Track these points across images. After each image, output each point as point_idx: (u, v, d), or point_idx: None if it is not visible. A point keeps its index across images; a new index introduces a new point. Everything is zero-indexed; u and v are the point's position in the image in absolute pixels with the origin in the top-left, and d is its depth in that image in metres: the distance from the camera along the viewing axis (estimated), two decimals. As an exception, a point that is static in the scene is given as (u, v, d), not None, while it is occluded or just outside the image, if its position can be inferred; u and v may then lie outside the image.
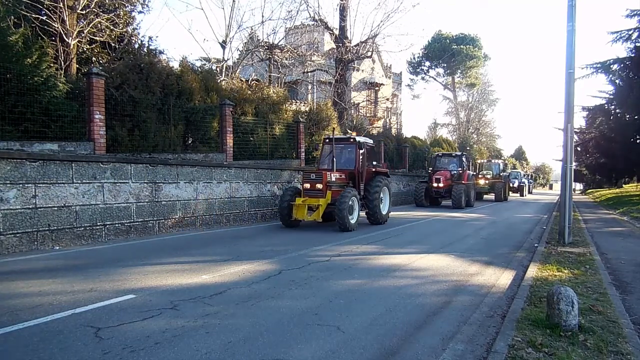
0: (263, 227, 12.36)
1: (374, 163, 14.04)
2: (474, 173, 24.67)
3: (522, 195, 40.53)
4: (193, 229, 11.59)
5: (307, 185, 12.04)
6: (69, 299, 5.09)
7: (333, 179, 12.39)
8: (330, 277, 6.51)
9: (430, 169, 23.77)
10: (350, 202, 11.51)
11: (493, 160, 35.68)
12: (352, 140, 13.32)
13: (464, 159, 23.73)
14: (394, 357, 3.83)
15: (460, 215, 17.48)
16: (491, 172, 31.68)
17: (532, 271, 6.95)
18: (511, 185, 38.43)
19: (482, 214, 18.62)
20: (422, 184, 22.77)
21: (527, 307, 5.06)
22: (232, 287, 5.82)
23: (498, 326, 4.61)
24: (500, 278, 6.91)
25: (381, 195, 13.41)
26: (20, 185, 8.15)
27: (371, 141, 14.50)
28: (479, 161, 33.83)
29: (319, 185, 11.93)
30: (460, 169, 23.16)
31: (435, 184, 22.06)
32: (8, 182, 7.97)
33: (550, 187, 79.93)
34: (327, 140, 13.56)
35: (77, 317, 4.51)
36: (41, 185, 8.44)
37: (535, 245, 9.93)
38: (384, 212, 13.57)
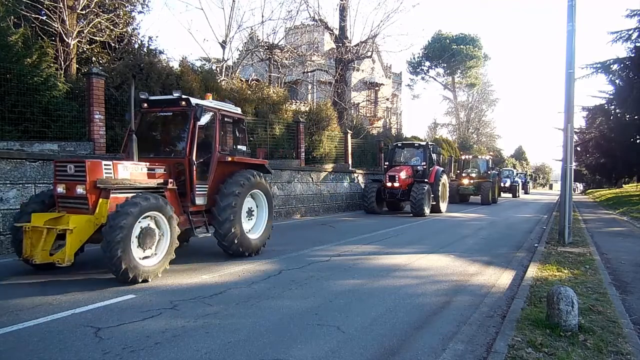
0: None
1: (240, 149, 8.23)
2: (444, 169, 19.71)
3: (514, 196, 36.57)
4: (193, 229, 11.57)
5: (61, 189, 6.18)
6: (69, 299, 5.09)
7: (125, 173, 6.51)
8: (330, 277, 6.51)
9: (386, 163, 18.63)
10: (126, 225, 5.58)
11: (479, 156, 30.79)
12: (182, 102, 7.19)
13: (430, 151, 18.49)
14: (394, 357, 3.83)
15: (460, 215, 17.48)
16: (477, 170, 27.25)
17: (532, 271, 6.95)
18: (502, 184, 34.92)
19: (481, 214, 18.62)
20: (374, 183, 17.75)
21: (527, 307, 5.06)
22: (232, 287, 5.82)
23: (498, 326, 4.61)
24: (500, 278, 6.91)
25: (244, 206, 7.72)
26: (20, 185, 8.14)
27: (234, 108, 8.39)
28: (463, 157, 29.24)
29: (80, 189, 6.02)
30: (424, 163, 18.08)
31: (389, 183, 16.93)
32: (8, 182, 7.96)
33: (550, 187, 79.83)
34: (144, 102, 7.47)
35: (77, 317, 4.51)
36: (41, 185, 8.43)
37: (535, 245, 9.93)
38: (253, 236, 7.98)
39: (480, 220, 16.21)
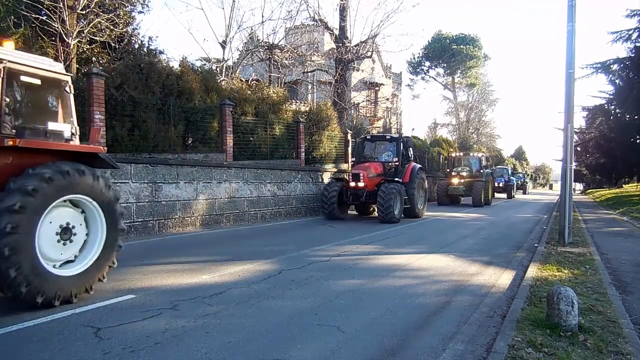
0: (263, 227, 12.36)
1: (56, 128, 5.26)
2: (422, 166, 16.95)
3: (510, 196, 34.00)
4: (193, 229, 11.59)
5: None
6: (69, 299, 5.08)
7: None
8: (330, 277, 6.51)
9: (353, 159, 16.22)
10: None
11: (471, 154, 28.17)
12: None
13: (404, 145, 15.78)
14: (394, 357, 3.83)
15: (460, 215, 17.47)
16: (469, 169, 24.89)
17: (532, 271, 6.95)
18: (496, 184, 32.58)
19: (481, 214, 18.61)
20: (336, 183, 14.77)
21: (527, 307, 5.06)
22: (232, 287, 5.82)
23: (498, 326, 4.61)
24: (500, 278, 6.91)
25: (54, 223, 4.84)
26: (20, 185, 8.10)
27: (47, 62, 5.57)
28: (453, 154, 26.93)
29: None
30: (396, 159, 15.36)
31: (352, 183, 14.23)
32: (8, 182, 7.92)
33: (550, 187, 79.65)
34: None
35: (77, 317, 4.51)
36: (41, 185, 8.41)
37: (535, 245, 9.93)
38: (71, 271, 5.01)
39: (480, 220, 16.21)
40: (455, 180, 23.45)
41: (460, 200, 24.67)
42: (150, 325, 4.33)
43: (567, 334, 4.16)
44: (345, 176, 16.43)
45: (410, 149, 16.28)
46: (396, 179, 14.66)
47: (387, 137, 16.44)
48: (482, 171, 24.88)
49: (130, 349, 3.77)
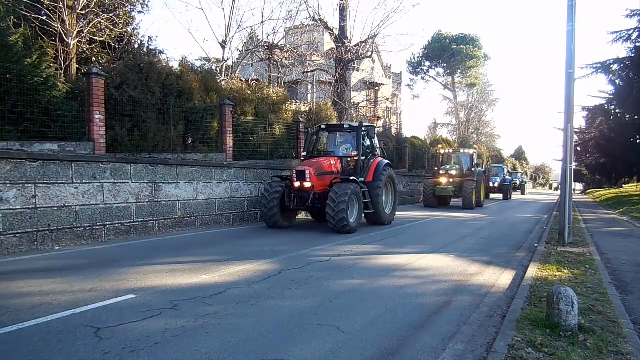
0: (263, 228, 12.35)
1: None
2: (389, 162, 13.88)
3: (506, 198, 31.50)
4: (193, 229, 11.58)
5: None
6: (69, 299, 5.09)
7: None
8: (330, 277, 6.51)
9: (304, 154, 13.12)
10: None
11: (462, 150, 25.41)
12: None
13: (365, 136, 13.18)
14: (394, 357, 3.83)
15: (460, 215, 17.46)
16: (459, 167, 22.75)
17: (532, 271, 6.95)
18: (491, 184, 31.22)
19: (481, 214, 18.61)
20: (279, 182, 11.87)
21: (527, 307, 5.05)
22: (232, 287, 5.82)
23: (498, 326, 4.61)
24: (500, 278, 6.91)
25: None
26: (20, 185, 8.14)
27: None
28: (441, 151, 24.27)
29: None
30: (355, 152, 12.60)
31: (297, 182, 11.42)
32: (8, 182, 7.96)
33: (551, 187, 79.36)
34: None
35: (77, 317, 4.51)
36: (41, 185, 8.44)
37: (535, 245, 9.93)
38: None
39: (480, 220, 16.21)
40: (443, 180, 21.29)
41: (449, 202, 22.82)
42: (150, 325, 4.33)
43: (567, 334, 4.16)
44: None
45: (375, 140, 13.80)
46: (352, 178, 11.71)
47: (345, 126, 13.30)
48: (473, 170, 22.71)
49: (130, 349, 3.77)
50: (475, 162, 23.52)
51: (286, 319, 4.64)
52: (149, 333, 4.13)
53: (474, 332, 4.48)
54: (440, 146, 26.11)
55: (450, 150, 25.38)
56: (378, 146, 13.82)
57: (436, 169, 22.58)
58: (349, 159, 12.78)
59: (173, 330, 4.23)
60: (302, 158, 13.06)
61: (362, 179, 12.26)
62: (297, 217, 10.58)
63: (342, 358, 3.76)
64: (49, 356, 3.61)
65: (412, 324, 4.67)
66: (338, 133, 13.75)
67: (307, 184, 11.34)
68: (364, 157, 12.80)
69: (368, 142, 13.44)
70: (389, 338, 4.23)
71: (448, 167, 22.54)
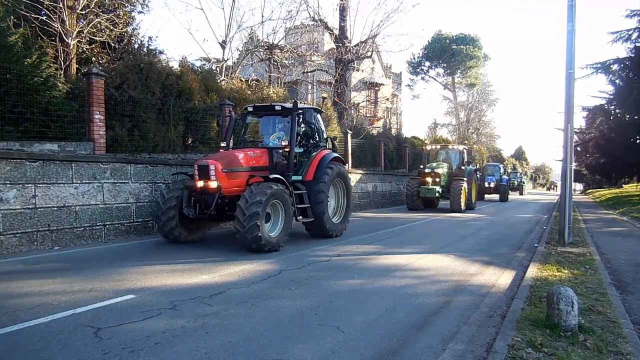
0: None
1: None
2: (338, 155, 10.78)
3: (503, 199, 29.22)
4: (193, 229, 11.57)
5: None
6: (69, 299, 5.09)
7: None
8: (330, 277, 6.51)
9: (223, 144, 10.00)
10: None
11: (450, 146, 22.82)
12: None
13: (302, 120, 9.83)
14: (394, 357, 3.83)
15: (460, 216, 17.44)
16: (447, 165, 20.29)
17: (532, 271, 6.95)
18: (487, 184, 29.51)
19: (481, 214, 18.60)
20: (178, 184, 9.04)
21: (527, 307, 5.06)
22: (232, 287, 5.82)
23: (498, 326, 4.61)
24: (500, 278, 6.91)
25: None
26: (20, 185, 8.14)
27: None
28: (428, 147, 22.52)
29: None
30: (285, 143, 9.57)
31: (200, 182, 8.55)
32: (8, 182, 7.96)
33: (549, 188, 78.93)
34: None
35: (77, 317, 4.51)
36: (41, 185, 8.44)
37: (535, 245, 9.94)
38: None
39: (480, 220, 16.21)
40: (429, 179, 18.92)
41: (437, 204, 20.41)
42: (150, 325, 4.33)
43: (567, 334, 4.17)
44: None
45: (319, 126, 10.67)
46: (273, 176, 8.69)
47: (276, 107, 9.83)
48: (463, 168, 20.31)
49: (130, 349, 3.77)
50: (465, 159, 21.10)
51: (286, 319, 4.64)
52: (149, 333, 4.13)
53: (474, 332, 4.48)
54: (427, 141, 24.16)
55: (438, 146, 22.86)
56: (322, 133, 10.81)
57: (422, 167, 20.28)
58: (280, 151, 9.59)
59: (173, 330, 4.23)
60: (221, 149, 9.81)
61: (298, 178, 9.59)
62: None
63: (342, 358, 3.76)
64: (49, 356, 3.61)
65: (412, 324, 4.67)
66: (274, 118, 10.30)
67: (212, 184, 8.36)
68: (302, 150, 9.94)
69: (310, 130, 10.44)
70: (389, 338, 4.23)
71: (434, 164, 20.04)
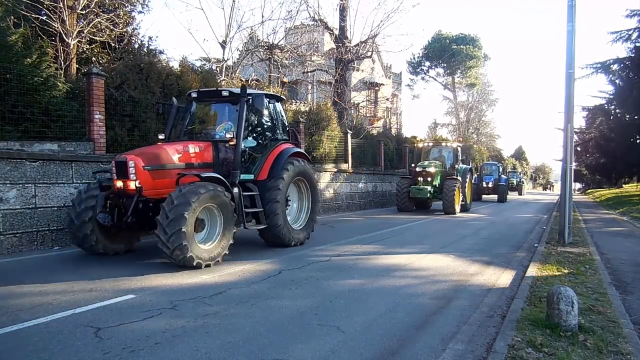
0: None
1: None
2: (300, 150, 9.46)
3: (501, 199, 28.04)
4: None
5: None
6: (69, 299, 5.09)
7: None
8: (330, 277, 6.51)
9: (161, 137, 8.65)
10: None
11: (444, 144, 21.26)
12: None
13: (250, 109, 8.26)
14: (394, 357, 3.83)
15: (460, 216, 17.44)
16: (439, 164, 18.97)
17: (532, 271, 6.95)
18: (484, 184, 28.78)
19: (482, 214, 18.60)
20: (94, 186, 7.50)
21: (527, 307, 5.06)
22: (231, 287, 5.82)
23: (498, 326, 4.61)
24: (500, 278, 6.91)
25: None
26: (20, 185, 8.14)
27: None
28: (420, 145, 21.06)
29: None
30: (231, 135, 8.08)
31: (119, 182, 7.09)
32: (8, 182, 7.96)
33: (545, 188, 78.41)
34: None
35: (77, 317, 4.51)
36: (41, 185, 8.44)
37: (535, 245, 9.94)
38: None
39: (480, 220, 16.21)
40: (420, 179, 17.84)
41: (429, 205, 19.26)
42: (150, 325, 4.33)
43: (567, 334, 4.17)
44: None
45: (278, 116, 9.27)
46: (207, 175, 7.24)
47: (223, 93, 8.40)
48: (457, 167, 19.19)
49: (130, 349, 3.77)
50: (460, 157, 19.85)
51: (286, 319, 4.64)
52: (149, 333, 4.13)
53: (474, 332, 4.48)
54: (418, 139, 22.88)
55: (430, 144, 21.39)
56: (281, 123, 9.35)
57: (413, 165, 18.96)
58: (226, 144, 8.13)
59: (173, 330, 4.23)
60: (160, 143, 8.29)
61: (249, 177, 8.32)
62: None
63: (342, 358, 3.76)
64: (49, 356, 3.61)
65: (412, 324, 4.67)
66: (225, 106, 8.89)
67: (132, 184, 6.94)
68: (255, 143, 8.66)
69: (267, 120, 9.09)
70: (389, 338, 4.23)
71: (426, 163, 18.71)
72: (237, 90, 8.26)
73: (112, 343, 3.88)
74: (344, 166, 19.39)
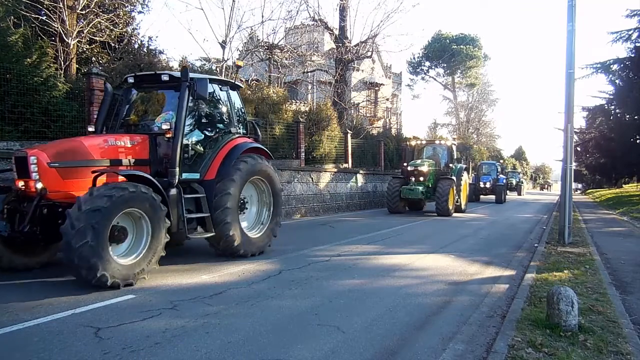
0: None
1: None
2: (259, 145, 8.07)
3: (499, 200, 26.86)
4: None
5: None
6: (69, 299, 5.08)
7: None
8: (330, 277, 6.50)
9: (91, 129, 7.23)
10: None
11: (438, 142, 20.55)
12: None
13: (192, 95, 6.75)
14: (393, 357, 3.83)
15: (460, 216, 17.43)
16: (432, 163, 17.96)
17: (532, 271, 6.95)
18: (482, 184, 28.07)
19: (482, 214, 18.60)
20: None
21: (527, 307, 5.06)
22: (231, 287, 5.82)
23: (498, 326, 4.61)
24: (500, 278, 6.91)
25: None
26: (20, 185, 8.10)
27: None
28: (412, 142, 19.87)
29: None
30: (167, 127, 6.58)
31: (21, 182, 5.82)
32: (8, 182, 7.93)
33: (542, 188, 78.11)
34: None
35: (77, 317, 4.51)
36: (41, 185, 8.40)
37: (535, 245, 9.94)
38: None
39: (481, 220, 16.21)
40: (412, 179, 16.91)
41: (422, 206, 18.47)
42: (150, 325, 4.33)
43: (567, 334, 4.17)
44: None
45: (231, 105, 7.90)
46: (130, 172, 6.10)
47: (163, 77, 7.02)
48: (452, 166, 18.25)
49: (130, 349, 3.77)
50: (455, 156, 18.92)
51: (286, 319, 4.64)
52: (149, 333, 4.13)
53: (474, 332, 4.48)
54: (412, 137, 21.86)
55: (424, 142, 20.46)
56: (244, 118, 8.27)
57: (405, 164, 17.80)
58: (163, 138, 6.80)
59: (173, 330, 4.23)
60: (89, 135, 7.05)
61: (195, 176, 7.15)
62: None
63: (342, 358, 3.76)
64: (49, 356, 3.61)
65: (412, 324, 4.67)
66: (168, 94, 7.40)
67: (35, 185, 5.69)
68: (202, 137, 7.43)
69: (219, 110, 7.83)
70: (389, 338, 4.23)
71: (418, 162, 17.66)
72: (178, 74, 6.90)
73: (112, 343, 3.88)
74: (343, 166, 19.40)
